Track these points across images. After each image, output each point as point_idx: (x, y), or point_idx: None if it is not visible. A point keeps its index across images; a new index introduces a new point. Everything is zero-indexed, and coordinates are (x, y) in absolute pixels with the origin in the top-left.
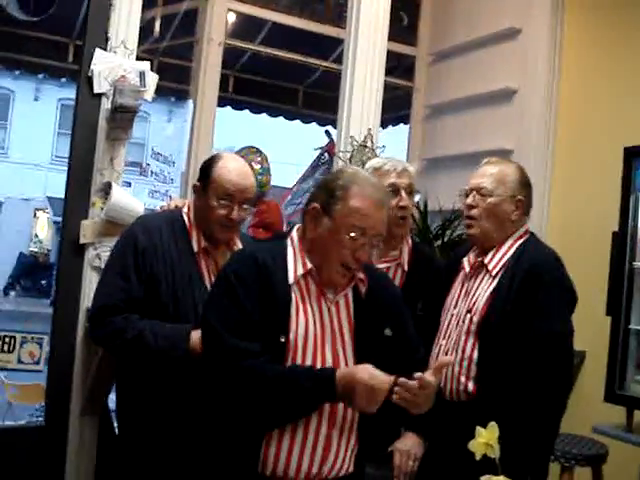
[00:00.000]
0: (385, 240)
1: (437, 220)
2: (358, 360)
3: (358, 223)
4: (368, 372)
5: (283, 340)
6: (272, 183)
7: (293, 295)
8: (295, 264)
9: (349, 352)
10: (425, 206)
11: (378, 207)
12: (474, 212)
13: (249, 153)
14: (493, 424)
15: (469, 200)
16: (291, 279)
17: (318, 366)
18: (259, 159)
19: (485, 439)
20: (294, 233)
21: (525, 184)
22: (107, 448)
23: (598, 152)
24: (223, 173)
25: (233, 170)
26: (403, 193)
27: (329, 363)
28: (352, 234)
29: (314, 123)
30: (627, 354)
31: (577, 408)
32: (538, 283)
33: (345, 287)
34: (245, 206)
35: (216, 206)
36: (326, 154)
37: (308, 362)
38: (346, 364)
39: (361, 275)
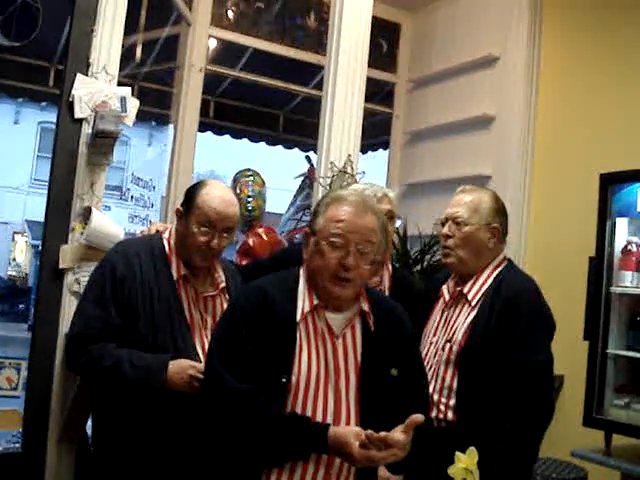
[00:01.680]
0: None
1: (416, 245)
2: (361, 401)
3: (335, 230)
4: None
5: (285, 380)
6: None
7: (298, 333)
8: (303, 301)
9: (352, 393)
10: (404, 231)
11: (358, 212)
12: (450, 242)
13: (242, 176)
14: (472, 449)
15: (445, 230)
16: (298, 317)
17: (319, 408)
18: (250, 182)
19: (464, 464)
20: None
21: (500, 211)
22: (85, 475)
23: (575, 178)
24: (206, 200)
25: (216, 197)
26: None
27: (331, 404)
28: (332, 239)
29: (296, 148)
30: (605, 378)
31: (556, 432)
32: (517, 313)
33: (351, 320)
34: (225, 235)
35: (196, 233)
36: (307, 180)
37: (309, 403)
38: (347, 406)
39: (366, 307)
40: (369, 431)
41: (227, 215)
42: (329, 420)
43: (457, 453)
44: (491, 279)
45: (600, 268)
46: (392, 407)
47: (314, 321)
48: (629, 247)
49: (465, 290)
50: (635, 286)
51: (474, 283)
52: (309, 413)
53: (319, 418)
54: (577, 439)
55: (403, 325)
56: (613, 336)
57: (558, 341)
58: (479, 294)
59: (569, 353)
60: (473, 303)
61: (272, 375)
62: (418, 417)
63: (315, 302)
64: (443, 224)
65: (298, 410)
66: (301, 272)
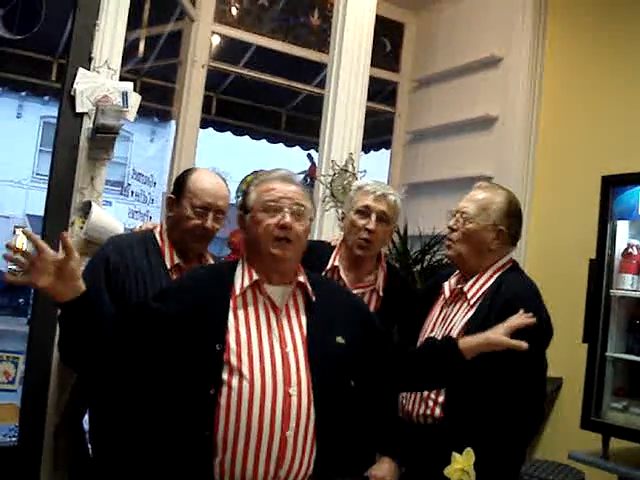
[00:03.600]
0: (355, 264)
1: (417, 245)
2: (311, 367)
3: (268, 198)
4: None
5: (219, 348)
6: None
7: (237, 305)
8: (242, 277)
9: (301, 356)
10: (405, 231)
11: (284, 182)
12: (453, 235)
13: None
14: (469, 450)
15: (451, 222)
16: (238, 291)
17: (268, 369)
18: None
19: (461, 465)
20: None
21: (511, 215)
22: (81, 469)
23: (576, 180)
24: (197, 183)
25: (207, 180)
26: (373, 217)
27: (279, 365)
28: (269, 204)
29: (297, 146)
30: (603, 381)
31: (554, 434)
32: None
33: (293, 291)
34: (219, 216)
35: (191, 216)
36: (308, 178)
37: (256, 365)
38: (297, 367)
39: (302, 279)
40: None
41: (219, 196)
42: (279, 383)
43: (454, 453)
44: (492, 280)
45: (600, 271)
46: (343, 373)
47: (254, 296)
48: (630, 250)
49: (465, 288)
50: (635, 289)
51: (475, 282)
52: (257, 375)
53: (268, 380)
54: (575, 442)
55: (343, 295)
56: (612, 339)
57: (557, 343)
58: (478, 294)
59: (568, 355)
60: (472, 302)
61: (207, 345)
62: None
63: (255, 277)
64: (454, 216)
65: (245, 373)
66: (241, 258)
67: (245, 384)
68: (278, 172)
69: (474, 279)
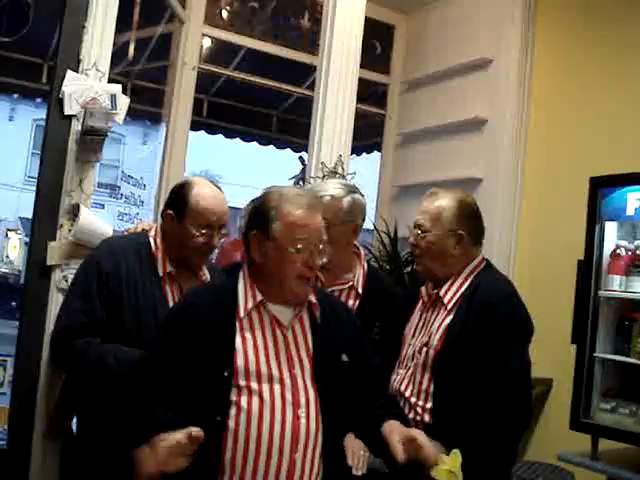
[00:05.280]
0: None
1: (408, 247)
2: (318, 386)
3: (300, 235)
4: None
5: (227, 374)
6: None
7: (240, 328)
8: (246, 298)
9: (308, 380)
10: (395, 233)
11: (312, 213)
12: (416, 251)
13: None
14: (456, 451)
15: (411, 239)
16: (242, 313)
17: (277, 393)
18: None
19: (448, 466)
20: (245, 265)
21: (465, 216)
22: (70, 472)
23: (565, 181)
24: (200, 202)
25: (209, 197)
26: None
27: (289, 390)
28: (299, 246)
29: (288, 149)
30: (592, 382)
31: (543, 436)
32: (492, 319)
33: (299, 312)
34: (223, 231)
35: (197, 235)
36: (302, 182)
37: (265, 388)
38: (305, 389)
39: (313, 299)
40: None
41: (222, 211)
42: (289, 405)
43: (441, 455)
44: (467, 283)
45: (589, 272)
46: (349, 391)
47: (260, 316)
48: (618, 251)
49: (441, 293)
50: (623, 290)
51: (450, 286)
52: (266, 398)
53: (278, 402)
54: (564, 442)
55: (343, 310)
56: (601, 340)
57: (546, 344)
58: (455, 298)
59: (557, 356)
60: (449, 307)
61: (215, 371)
62: None
63: (259, 298)
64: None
65: (254, 395)
66: (241, 274)
67: (255, 407)
68: (306, 201)
69: (449, 283)
